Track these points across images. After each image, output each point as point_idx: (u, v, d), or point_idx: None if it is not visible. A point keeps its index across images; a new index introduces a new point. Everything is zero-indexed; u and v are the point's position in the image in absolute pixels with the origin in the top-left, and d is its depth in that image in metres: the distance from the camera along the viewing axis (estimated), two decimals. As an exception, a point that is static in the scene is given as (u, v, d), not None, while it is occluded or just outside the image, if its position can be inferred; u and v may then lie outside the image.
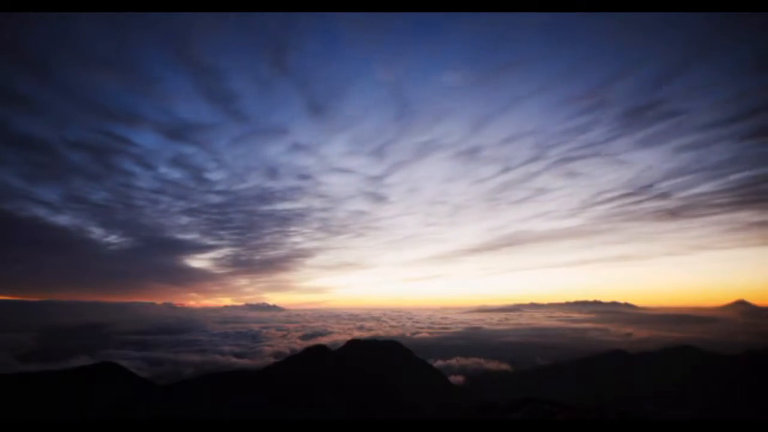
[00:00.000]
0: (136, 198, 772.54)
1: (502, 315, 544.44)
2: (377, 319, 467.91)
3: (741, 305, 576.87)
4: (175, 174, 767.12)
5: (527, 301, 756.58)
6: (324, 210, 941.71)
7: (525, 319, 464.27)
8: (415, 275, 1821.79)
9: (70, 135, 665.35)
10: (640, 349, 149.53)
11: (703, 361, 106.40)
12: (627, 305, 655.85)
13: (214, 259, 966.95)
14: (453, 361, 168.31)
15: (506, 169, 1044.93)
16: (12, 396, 69.81)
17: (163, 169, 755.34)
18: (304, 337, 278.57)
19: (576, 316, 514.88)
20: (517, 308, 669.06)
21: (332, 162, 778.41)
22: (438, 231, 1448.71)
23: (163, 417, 71.94)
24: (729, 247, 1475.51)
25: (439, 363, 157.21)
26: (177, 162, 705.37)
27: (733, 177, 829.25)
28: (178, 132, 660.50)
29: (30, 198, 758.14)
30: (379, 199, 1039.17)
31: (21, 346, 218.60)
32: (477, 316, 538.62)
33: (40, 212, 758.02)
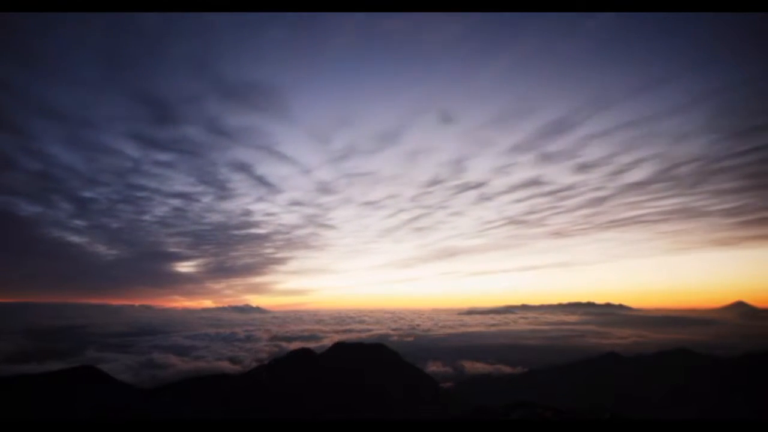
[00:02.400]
0: (137, 226, 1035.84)
1: (493, 317, 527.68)
2: (360, 321, 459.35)
3: (740, 306, 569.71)
4: (170, 213, 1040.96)
5: (518, 302, 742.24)
6: (286, 233, 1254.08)
7: (516, 321, 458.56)
8: (398, 277, 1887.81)
9: (111, 197, 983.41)
10: (635, 351, 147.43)
11: (701, 364, 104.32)
12: (621, 307, 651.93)
13: (195, 265, 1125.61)
14: (442, 364, 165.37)
15: (400, 210, 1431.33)
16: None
17: (161, 212, 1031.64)
18: (289, 340, 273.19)
19: (569, 318, 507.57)
20: (508, 310, 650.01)
21: (283, 207, 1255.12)
22: (390, 244, 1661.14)
23: (144, 421, 68.98)
24: (728, 248, 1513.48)
25: (427, 366, 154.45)
26: (174, 208, 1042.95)
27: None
28: (178, 195, 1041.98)
29: (60, 225, 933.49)
30: (324, 226, 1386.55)
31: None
32: (467, 318, 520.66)
33: (63, 233, 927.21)
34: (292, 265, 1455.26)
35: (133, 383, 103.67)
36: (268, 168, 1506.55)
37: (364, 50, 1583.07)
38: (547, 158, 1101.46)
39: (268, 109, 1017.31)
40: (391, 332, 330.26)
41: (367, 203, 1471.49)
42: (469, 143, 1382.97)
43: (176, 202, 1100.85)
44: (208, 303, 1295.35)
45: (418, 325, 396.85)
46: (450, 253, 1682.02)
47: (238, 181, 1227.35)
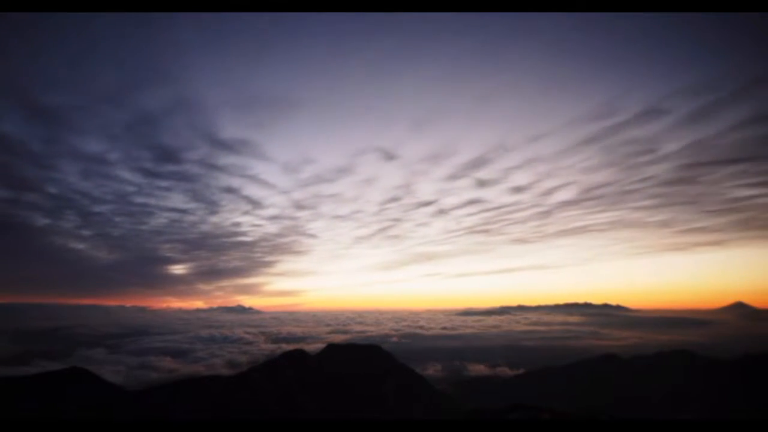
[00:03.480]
0: (135, 234, 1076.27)
1: (489, 318, 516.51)
2: (360, 322, 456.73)
3: (739, 307, 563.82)
4: (166, 224, 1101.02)
5: (515, 303, 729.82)
6: (272, 240, 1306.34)
7: (513, 322, 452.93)
8: (387, 278, 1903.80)
9: (114, 211, 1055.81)
10: (634, 353, 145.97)
11: (700, 366, 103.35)
12: (620, 308, 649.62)
13: (187, 267, 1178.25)
14: (438, 366, 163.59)
15: (369, 222, 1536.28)
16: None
17: (158, 223, 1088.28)
18: (281, 341, 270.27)
19: (566, 318, 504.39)
20: (504, 311, 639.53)
21: (267, 220, 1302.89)
22: (370, 249, 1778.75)
23: (133, 422, 67.69)
24: (727, 247, 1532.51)
25: (426, 367, 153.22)
26: (170, 220, 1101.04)
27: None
28: (174, 210, 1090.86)
29: (67, 234, 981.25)
30: (305, 234, 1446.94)
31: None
32: (463, 318, 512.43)
33: (66, 240, 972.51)
34: (280, 267, 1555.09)
35: (124, 384, 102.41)
36: (252, 190, 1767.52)
37: (321, 109, 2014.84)
38: (481, 183, 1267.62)
39: (249, 153, 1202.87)
40: (392, 332, 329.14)
41: (337, 217, 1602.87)
42: (410, 173, 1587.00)
43: (172, 215, 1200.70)
44: (199, 304, 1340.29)
45: (421, 327, 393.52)
46: (429, 257, 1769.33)
47: (226, 200, 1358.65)
